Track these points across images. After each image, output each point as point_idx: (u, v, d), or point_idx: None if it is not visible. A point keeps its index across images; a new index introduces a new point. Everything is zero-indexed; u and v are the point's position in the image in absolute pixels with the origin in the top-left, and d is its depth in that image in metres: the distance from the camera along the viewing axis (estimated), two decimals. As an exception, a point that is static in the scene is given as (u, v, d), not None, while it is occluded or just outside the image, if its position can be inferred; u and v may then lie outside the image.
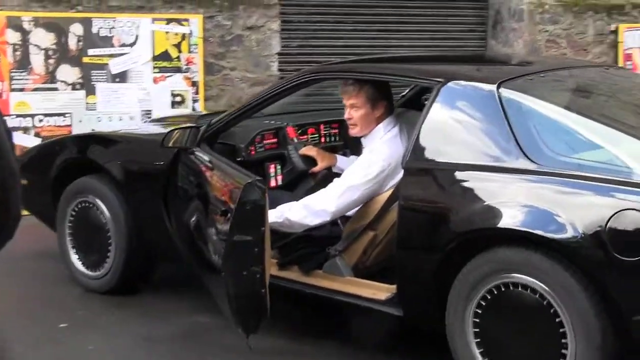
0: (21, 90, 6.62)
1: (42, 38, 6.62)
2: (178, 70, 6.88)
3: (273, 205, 4.09)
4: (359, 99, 4.20)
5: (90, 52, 6.68)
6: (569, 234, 3.37)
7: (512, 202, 3.54)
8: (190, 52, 6.89)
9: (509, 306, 3.55)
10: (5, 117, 2.33)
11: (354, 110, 4.23)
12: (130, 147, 5.07)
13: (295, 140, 4.81)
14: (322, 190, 4.17)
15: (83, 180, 5.03)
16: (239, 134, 4.69)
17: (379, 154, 4.11)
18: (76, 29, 6.67)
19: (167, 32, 6.85)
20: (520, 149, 3.65)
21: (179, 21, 6.87)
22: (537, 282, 3.43)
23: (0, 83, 6.56)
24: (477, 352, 3.61)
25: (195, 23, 6.90)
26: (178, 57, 6.85)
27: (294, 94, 4.53)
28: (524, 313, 3.52)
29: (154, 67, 6.81)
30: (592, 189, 3.45)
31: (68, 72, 6.68)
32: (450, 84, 3.95)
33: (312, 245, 4.27)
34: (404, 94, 5.32)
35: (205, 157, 4.37)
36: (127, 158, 4.92)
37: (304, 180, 4.79)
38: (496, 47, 7.83)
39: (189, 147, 4.46)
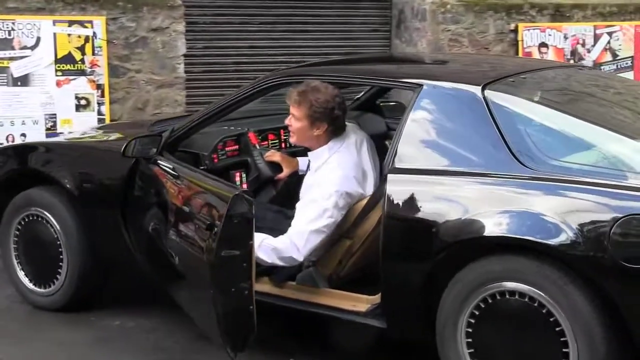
0: None
1: (-61, 41, 6.41)
2: (82, 73, 6.73)
3: None
4: (299, 112, 4.07)
5: (-10, 55, 6.51)
6: (569, 241, 3.25)
7: (508, 210, 3.39)
8: (94, 54, 6.76)
9: (504, 315, 3.42)
10: None
11: (293, 120, 4.12)
12: (82, 156, 4.83)
13: (257, 146, 4.67)
14: (287, 236, 3.95)
15: (29, 193, 4.77)
16: (199, 141, 4.53)
17: (328, 186, 3.96)
18: (-26, 32, 6.48)
19: (69, 35, 6.71)
20: (512, 153, 3.52)
21: (81, 23, 6.74)
22: (535, 290, 3.31)
23: None
24: None
25: (98, 25, 6.77)
26: (82, 60, 6.70)
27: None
28: (521, 322, 3.39)
29: (57, 70, 6.65)
30: (593, 194, 3.30)
31: (-34, 76, 6.50)
32: (431, 86, 3.80)
33: None
34: (358, 96, 5.29)
35: (169, 166, 4.18)
36: (79, 168, 4.67)
37: (267, 188, 4.66)
38: (400, 47, 7.95)
39: (152, 155, 4.27)
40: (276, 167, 4.62)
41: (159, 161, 4.26)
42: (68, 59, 6.68)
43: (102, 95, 6.84)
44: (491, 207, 3.42)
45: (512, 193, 3.44)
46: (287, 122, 4.18)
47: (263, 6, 7.58)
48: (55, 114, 6.67)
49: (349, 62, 5.20)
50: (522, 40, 8.00)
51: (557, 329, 3.29)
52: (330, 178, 3.99)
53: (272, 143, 4.92)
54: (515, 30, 7.99)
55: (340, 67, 4.67)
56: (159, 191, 4.26)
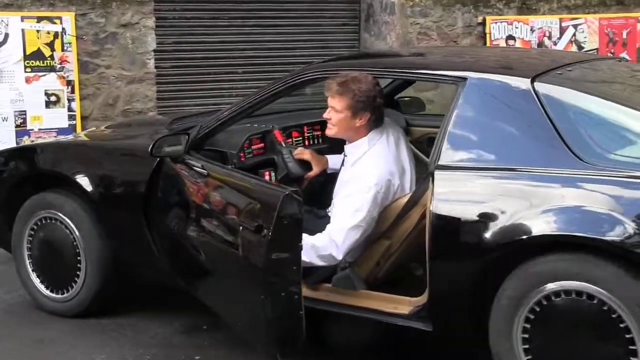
0: None
1: None
2: (52, 69, 6.70)
3: None
4: (340, 103, 3.90)
5: (-43, 51, 6.46)
6: (635, 238, 3.12)
7: (568, 207, 3.25)
8: (63, 50, 6.73)
9: (564, 316, 3.26)
10: None
11: (333, 112, 3.96)
12: (101, 157, 4.60)
13: (284, 144, 4.50)
14: (325, 233, 3.79)
15: (43, 196, 4.60)
16: (223, 139, 4.32)
17: (367, 179, 3.80)
18: (-59, 29, 6.43)
19: (38, 31, 6.67)
20: (568, 148, 3.35)
21: (50, 19, 6.70)
22: (599, 289, 3.17)
23: None
24: None
25: (67, 21, 6.74)
26: (51, 56, 6.68)
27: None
28: (583, 322, 3.23)
29: (26, 67, 6.62)
30: None
31: None
32: (477, 79, 3.62)
33: None
34: None
35: (200, 165, 4.01)
36: (99, 169, 4.47)
37: (292, 187, 4.48)
38: (369, 41, 7.99)
39: (180, 154, 4.09)
40: (305, 165, 4.45)
41: (187, 160, 4.09)
42: (37, 55, 6.66)
43: (72, 92, 6.82)
44: (550, 204, 3.27)
45: (572, 190, 3.28)
46: (325, 115, 4.01)
47: (233, 1, 7.59)
48: (25, 111, 6.64)
49: (383, 56, 5.00)
50: (490, 33, 8.09)
51: (622, 325, 3.16)
52: (370, 170, 3.83)
53: (295, 140, 4.75)
54: (483, 23, 8.07)
55: (378, 60, 4.49)
56: (190, 191, 4.08)
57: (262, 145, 4.51)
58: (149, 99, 7.19)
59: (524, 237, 3.30)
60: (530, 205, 3.30)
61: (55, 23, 6.70)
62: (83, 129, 6.75)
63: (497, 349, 3.43)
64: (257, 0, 7.67)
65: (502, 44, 8.12)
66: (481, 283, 3.42)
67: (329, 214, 4.01)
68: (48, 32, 6.69)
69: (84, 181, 4.44)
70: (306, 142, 4.78)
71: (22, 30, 6.61)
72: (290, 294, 3.48)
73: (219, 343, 4.24)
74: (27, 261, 4.67)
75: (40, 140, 6.44)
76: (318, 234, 3.79)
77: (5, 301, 4.87)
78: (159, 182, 4.23)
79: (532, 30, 8.33)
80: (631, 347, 3.15)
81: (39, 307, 4.68)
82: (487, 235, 3.36)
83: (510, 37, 8.20)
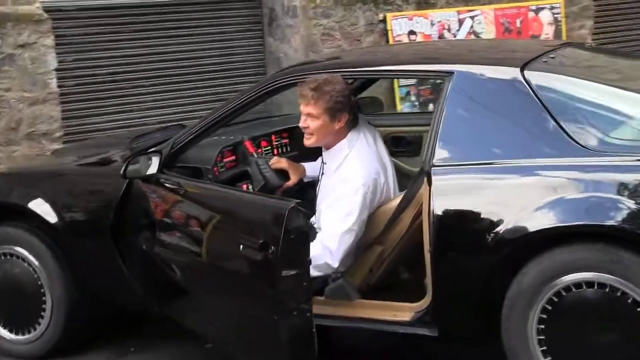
0: None
1: None
2: (-51, 94, 6.41)
3: None
4: (317, 108, 3.78)
5: None
6: None
7: (577, 197, 3.16)
8: (-41, 75, 6.44)
9: (579, 308, 3.19)
10: None
11: (310, 120, 3.82)
12: (61, 183, 4.33)
13: (255, 154, 4.37)
14: (318, 240, 3.68)
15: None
16: (194, 155, 4.14)
17: (354, 181, 3.70)
18: None
19: None
20: (569, 136, 3.26)
21: (-58, 43, 6.40)
22: (617, 278, 3.10)
23: None
24: None
25: (-40, 44, 6.46)
26: (-52, 81, 6.38)
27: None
28: (599, 313, 3.17)
29: None
30: None
31: None
32: (464, 72, 3.50)
33: None
34: None
35: (180, 183, 3.80)
36: (60, 197, 4.20)
37: None
38: (274, 45, 7.95)
39: (153, 174, 3.89)
40: (283, 174, 4.34)
41: (163, 179, 3.90)
42: None
43: (-28, 117, 6.53)
44: (557, 195, 3.18)
45: (579, 178, 3.20)
46: (302, 124, 3.88)
47: (134, 14, 7.40)
48: None
49: (359, 55, 4.76)
50: (392, 30, 8.15)
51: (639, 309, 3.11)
52: (355, 172, 3.74)
53: (265, 150, 4.63)
54: (384, 20, 8.13)
55: (355, 59, 4.30)
56: (171, 212, 3.90)
57: (233, 157, 4.39)
58: (54, 120, 6.93)
59: (535, 230, 3.22)
60: (538, 198, 3.22)
61: (-53, 47, 6.41)
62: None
63: (510, 346, 3.35)
64: (159, 11, 7.51)
65: (405, 39, 8.21)
66: (490, 281, 3.34)
67: (313, 223, 3.90)
68: (-59, 57, 6.39)
69: (43, 211, 4.17)
70: (275, 151, 4.69)
71: None
72: (302, 311, 3.32)
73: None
74: None
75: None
76: (310, 243, 3.61)
77: None
78: (130, 205, 4.01)
79: (432, 24, 8.45)
80: None
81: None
82: (495, 232, 3.26)
83: (412, 32, 8.29)
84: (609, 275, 3.15)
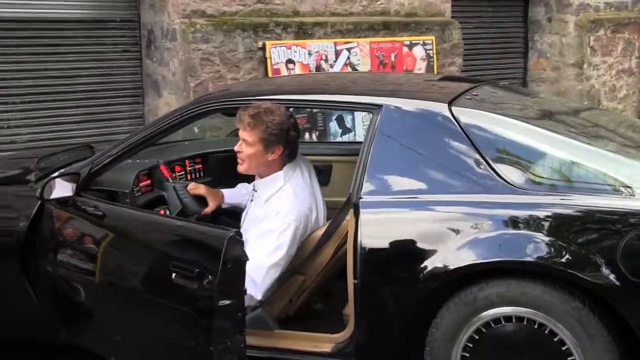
0: None
1: None
2: None
3: None
4: (252, 136, 3.75)
5: None
6: (577, 261, 3.11)
7: (500, 233, 3.22)
8: None
9: (504, 341, 3.25)
10: None
11: (245, 145, 3.78)
12: None
13: (170, 179, 4.24)
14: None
15: None
16: (108, 177, 3.96)
17: (287, 216, 3.67)
18: None
19: None
20: (496, 173, 3.33)
21: None
22: (537, 312, 3.18)
23: None
24: None
25: None
26: None
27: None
28: (521, 345, 3.23)
29: None
30: (595, 212, 3.16)
31: None
32: (392, 106, 3.50)
33: None
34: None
35: (98, 207, 3.64)
36: None
37: None
38: (152, 67, 7.88)
39: (70, 197, 3.72)
40: (201, 200, 4.23)
41: (79, 203, 3.73)
42: None
43: None
44: (478, 232, 3.24)
45: (500, 215, 3.26)
46: (237, 148, 3.84)
47: (5, 28, 7.17)
48: None
49: (285, 84, 4.65)
50: (270, 57, 8.23)
51: (563, 348, 3.21)
52: (288, 207, 3.72)
53: (178, 175, 4.50)
54: (263, 48, 8.19)
55: (278, 87, 4.25)
56: (90, 237, 3.71)
57: (149, 182, 4.27)
58: None
59: (455, 267, 3.26)
60: (461, 234, 3.26)
61: None
62: None
63: None
64: (33, 27, 7.30)
65: (283, 67, 8.30)
66: (414, 315, 3.36)
67: None
68: None
69: None
70: (189, 177, 4.59)
71: None
72: (237, 342, 3.26)
73: None
74: None
75: None
76: None
77: None
78: (42, 229, 3.82)
79: (309, 53, 8.58)
80: (570, 358, 3.21)
81: None
82: (421, 266, 3.29)
83: (290, 60, 8.39)
84: (525, 309, 3.24)
